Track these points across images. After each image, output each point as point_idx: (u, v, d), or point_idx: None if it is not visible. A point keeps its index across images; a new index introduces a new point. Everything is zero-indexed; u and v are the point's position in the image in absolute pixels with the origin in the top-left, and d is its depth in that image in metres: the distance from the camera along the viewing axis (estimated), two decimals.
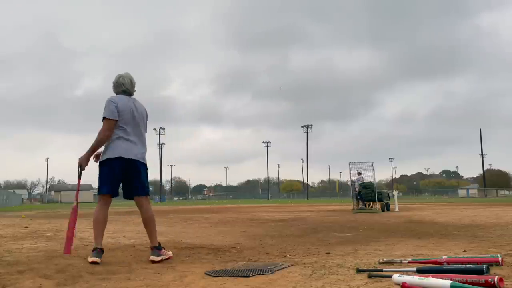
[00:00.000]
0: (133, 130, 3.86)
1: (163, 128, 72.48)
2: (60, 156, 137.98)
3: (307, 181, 79.98)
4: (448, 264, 3.09)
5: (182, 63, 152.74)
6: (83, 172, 3.91)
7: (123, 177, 3.81)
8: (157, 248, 3.77)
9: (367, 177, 14.86)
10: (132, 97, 4.00)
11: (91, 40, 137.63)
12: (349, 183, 18.20)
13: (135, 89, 4.04)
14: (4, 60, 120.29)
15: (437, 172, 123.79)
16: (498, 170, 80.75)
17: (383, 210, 13.80)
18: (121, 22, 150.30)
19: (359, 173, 14.97)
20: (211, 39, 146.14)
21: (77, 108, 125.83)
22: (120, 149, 3.77)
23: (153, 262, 3.67)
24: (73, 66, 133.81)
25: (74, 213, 3.83)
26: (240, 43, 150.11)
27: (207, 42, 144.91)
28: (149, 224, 3.89)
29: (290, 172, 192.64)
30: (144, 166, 3.92)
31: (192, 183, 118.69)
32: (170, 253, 3.89)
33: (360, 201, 14.57)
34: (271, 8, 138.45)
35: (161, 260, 3.71)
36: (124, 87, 3.92)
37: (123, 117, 3.82)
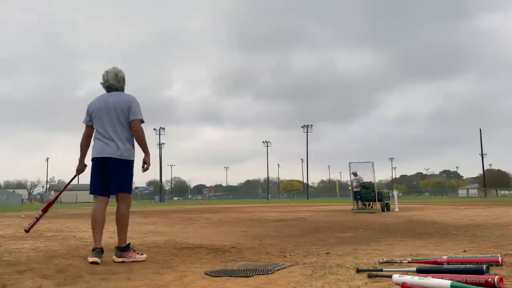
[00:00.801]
0: (106, 128, 3.82)
1: (163, 128, 72.50)
2: (60, 156, 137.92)
3: (307, 181, 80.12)
4: (448, 264, 3.09)
5: (184, 64, 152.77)
6: (79, 176, 4.18)
7: (104, 175, 3.84)
8: (120, 249, 3.75)
9: (367, 177, 14.85)
10: (113, 92, 3.93)
11: (93, 40, 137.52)
12: (349, 183, 18.19)
13: (124, 83, 3.98)
14: (7, 61, 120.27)
15: (437, 172, 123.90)
16: (498, 170, 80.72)
17: (383, 210, 13.79)
18: (123, 22, 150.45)
19: (355, 174, 14.96)
20: (212, 39, 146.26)
21: (78, 108, 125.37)
22: (94, 150, 3.87)
23: (114, 261, 3.69)
24: (75, 67, 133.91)
25: (48, 205, 4.34)
26: (241, 43, 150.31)
27: (209, 43, 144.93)
28: (118, 222, 3.89)
29: (290, 172, 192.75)
30: (121, 163, 3.80)
31: (192, 183, 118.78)
32: (140, 257, 3.78)
33: (360, 201, 14.56)
34: (273, 9, 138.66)
35: (123, 262, 3.66)
36: (107, 83, 3.92)
37: (95, 118, 3.88)
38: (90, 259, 3.62)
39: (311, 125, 73.16)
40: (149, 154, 3.97)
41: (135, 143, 3.95)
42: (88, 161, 3.99)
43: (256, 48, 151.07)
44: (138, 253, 3.87)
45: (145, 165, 3.95)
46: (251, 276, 2.99)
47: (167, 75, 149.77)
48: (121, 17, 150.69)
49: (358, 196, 14.55)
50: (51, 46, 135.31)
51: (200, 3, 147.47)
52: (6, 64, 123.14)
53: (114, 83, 3.91)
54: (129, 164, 3.87)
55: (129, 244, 3.84)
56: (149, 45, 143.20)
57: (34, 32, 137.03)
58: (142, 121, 3.92)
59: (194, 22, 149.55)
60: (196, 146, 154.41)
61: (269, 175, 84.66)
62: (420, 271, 2.89)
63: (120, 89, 3.96)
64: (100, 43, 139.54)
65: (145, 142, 3.94)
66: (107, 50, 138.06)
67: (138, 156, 4.01)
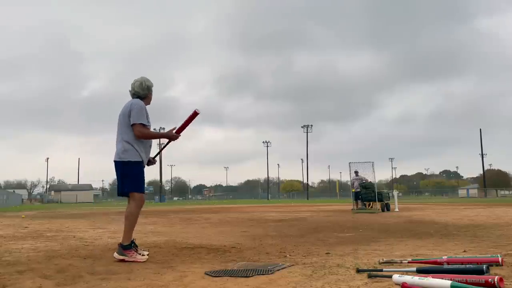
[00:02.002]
0: (116, 132, 4.08)
1: (163, 128, 72.48)
2: (60, 157, 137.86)
3: (307, 181, 79.97)
4: (448, 264, 3.09)
5: (186, 65, 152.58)
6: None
7: (117, 177, 4.08)
8: (122, 247, 3.81)
9: (367, 177, 14.84)
10: (133, 99, 4.13)
11: (97, 42, 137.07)
12: (349, 183, 18.20)
13: (148, 91, 4.16)
14: (11, 62, 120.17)
15: (437, 172, 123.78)
16: (498, 170, 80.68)
17: (383, 210, 13.79)
18: (126, 24, 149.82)
19: (356, 173, 14.97)
20: (214, 40, 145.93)
21: (80, 109, 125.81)
22: None
23: (114, 258, 3.79)
24: (78, 68, 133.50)
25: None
26: (243, 44, 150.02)
27: (211, 44, 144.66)
28: (124, 220, 3.99)
29: (290, 172, 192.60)
30: (119, 164, 3.96)
31: (192, 183, 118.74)
32: (141, 258, 3.80)
33: (360, 201, 14.57)
34: (275, 11, 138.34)
35: (123, 260, 3.71)
36: (133, 90, 4.16)
37: None
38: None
39: (311, 125, 73.15)
40: (165, 133, 4.21)
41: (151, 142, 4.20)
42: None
43: (257, 49, 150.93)
44: (140, 254, 3.87)
45: (173, 132, 4.16)
46: (251, 276, 2.99)
47: (170, 76, 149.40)
48: (125, 19, 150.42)
49: (360, 196, 14.55)
50: (55, 47, 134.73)
51: (202, 5, 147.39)
52: (9, 65, 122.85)
53: (139, 90, 4.13)
54: (126, 164, 3.93)
55: (131, 243, 3.84)
56: (152, 47, 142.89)
57: (38, 34, 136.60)
58: (143, 125, 3.95)
59: (197, 23, 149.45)
60: (196, 146, 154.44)
61: (269, 175, 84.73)
62: (420, 271, 2.89)
63: (143, 96, 4.15)
64: (103, 44, 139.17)
65: (155, 136, 4.25)
66: (110, 52, 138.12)
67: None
